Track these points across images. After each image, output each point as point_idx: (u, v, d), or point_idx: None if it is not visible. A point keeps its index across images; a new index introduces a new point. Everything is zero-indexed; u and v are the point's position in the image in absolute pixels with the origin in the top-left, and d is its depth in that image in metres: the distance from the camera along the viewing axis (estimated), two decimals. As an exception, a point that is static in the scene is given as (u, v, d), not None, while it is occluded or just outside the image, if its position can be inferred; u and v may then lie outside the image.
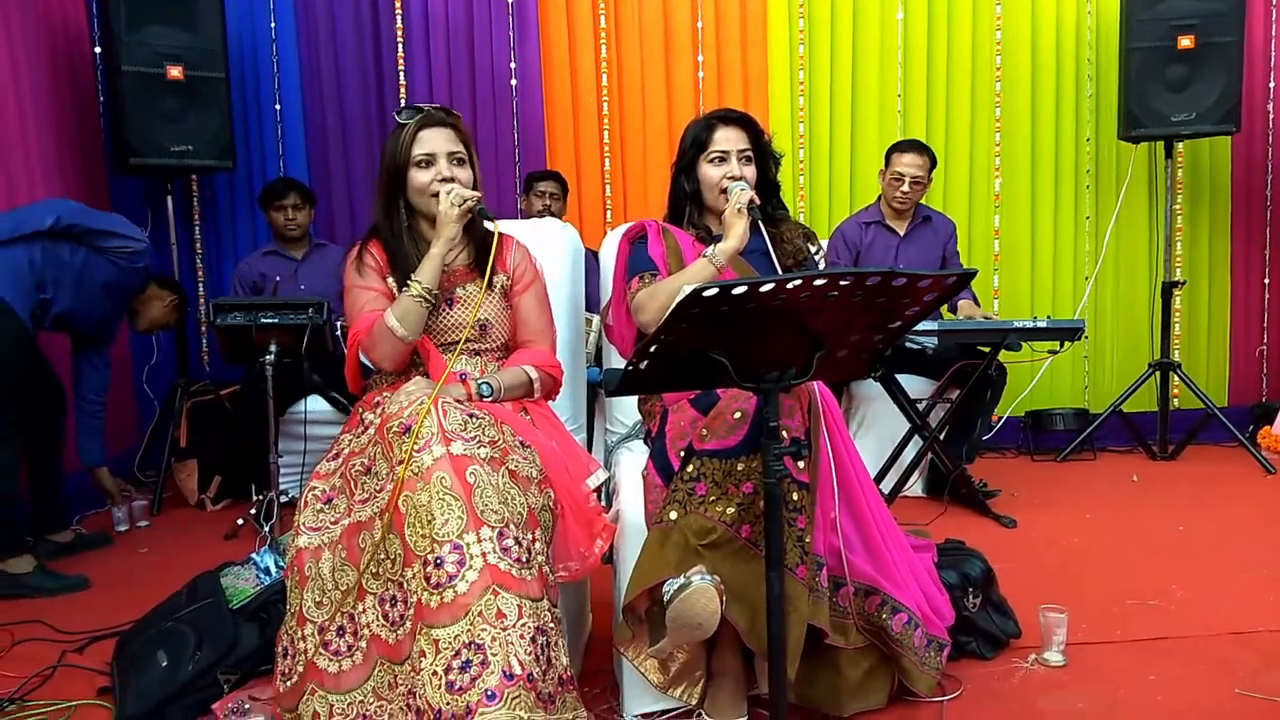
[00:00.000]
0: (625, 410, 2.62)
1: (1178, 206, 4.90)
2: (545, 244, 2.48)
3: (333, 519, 1.87)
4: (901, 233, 4.00)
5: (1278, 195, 4.98)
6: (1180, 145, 4.76)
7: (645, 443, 2.32)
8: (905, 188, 3.88)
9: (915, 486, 3.87)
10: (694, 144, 2.36)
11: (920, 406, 3.63)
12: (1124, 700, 2.10)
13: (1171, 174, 4.66)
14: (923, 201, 4.11)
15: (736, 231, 2.20)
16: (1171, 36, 4.32)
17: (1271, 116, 4.94)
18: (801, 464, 1.87)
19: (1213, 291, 5.01)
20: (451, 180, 2.09)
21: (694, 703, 2.02)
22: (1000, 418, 4.69)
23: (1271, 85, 4.92)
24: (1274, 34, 4.90)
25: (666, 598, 1.77)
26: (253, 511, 3.41)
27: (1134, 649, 2.37)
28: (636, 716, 2.07)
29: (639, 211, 4.69)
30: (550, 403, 2.24)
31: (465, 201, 2.04)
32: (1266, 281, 5.04)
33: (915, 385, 3.74)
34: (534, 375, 2.14)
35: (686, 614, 1.74)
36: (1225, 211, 4.98)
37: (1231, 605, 2.61)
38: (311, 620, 1.81)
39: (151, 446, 4.25)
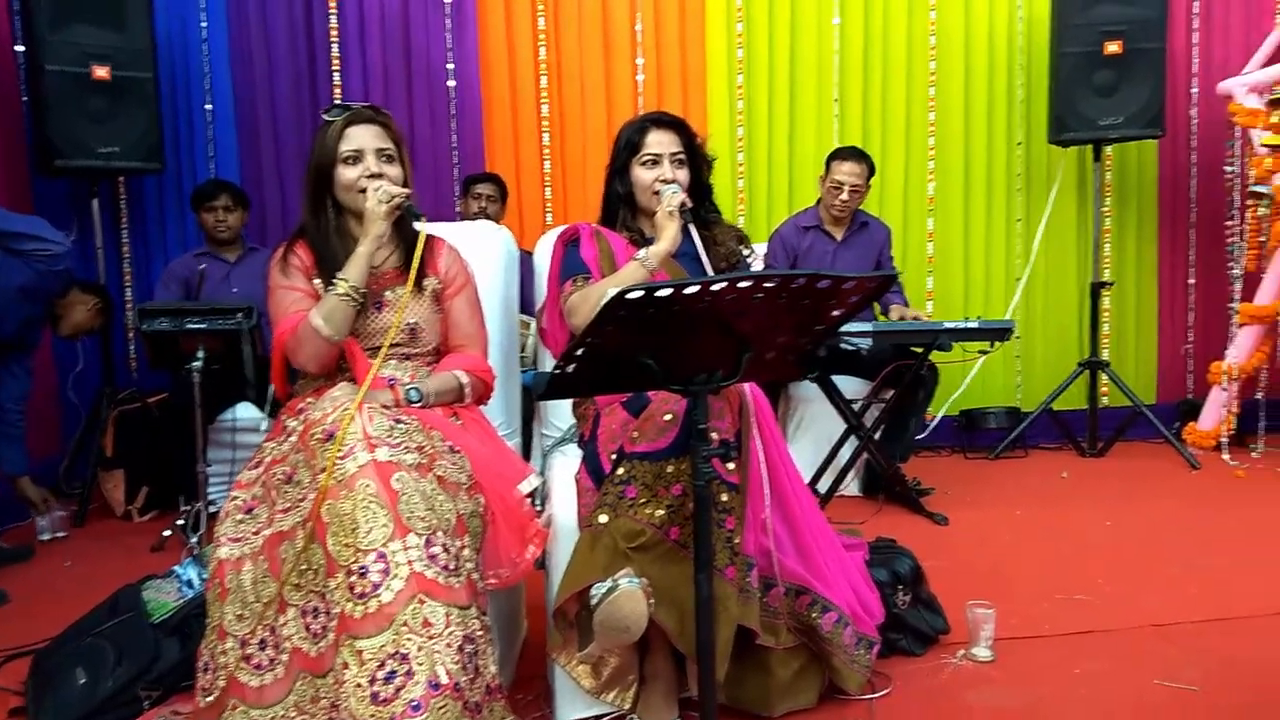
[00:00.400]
0: (560, 414, 2.60)
1: (1106, 209, 5.02)
2: (478, 246, 2.46)
3: (254, 529, 1.82)
4: (839, 238, 4.04)
5: (1202, 198, 5.12)
6: (1108, 149, 4.88)
7: (579, 446, 2.31)
8: (844, 195, 3.92)
9: (851, 486, 3.91)
10: (627, 146, 2.36)
11: (855, 407, 3.67)
12: (1049, 695, 2.14)
13: (1100, 177, 4.77)
14: (859, 206, 4.16)
15: (668, 234, 2.20)
16: (1099, 42, 4.43)
17: (1195, 121, 5.08)
18: (731, 465, 1.87)
19: (1140, 292, 5.14)
20: (380, 176, 2.05)
21: (627, 707, 2.01)
22: (935, 417, 4.77)
23: (1195, 90, 5.06)
24: (1196, 40, 5.04)
25: (594, 602, 1.77)
26: (180, 522, 3.32)
27: (1060, 643, 2.41)
28: (569, 722, 2.05)
29: (579, 213, 4.68)
30: (483, 407, 2.22)
31: (393, 198, 2.00)
32: (1192, 282, 5.19)
33: (850, 386, 3.78)
34: (465, 380, 2.12)
35: (614, 617, 1.73)
36: (1152, 214, 5.11)
37: (1154, 598, 2.68)
38: (232, 634, 1.77)
39: (77, 456, 4.14)
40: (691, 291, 1.43)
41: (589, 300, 2.20)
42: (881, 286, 1.56)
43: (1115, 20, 4.42)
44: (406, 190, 2.05)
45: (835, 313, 1.60)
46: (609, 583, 1.78)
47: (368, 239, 2.01)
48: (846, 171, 3.92)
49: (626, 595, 1.74)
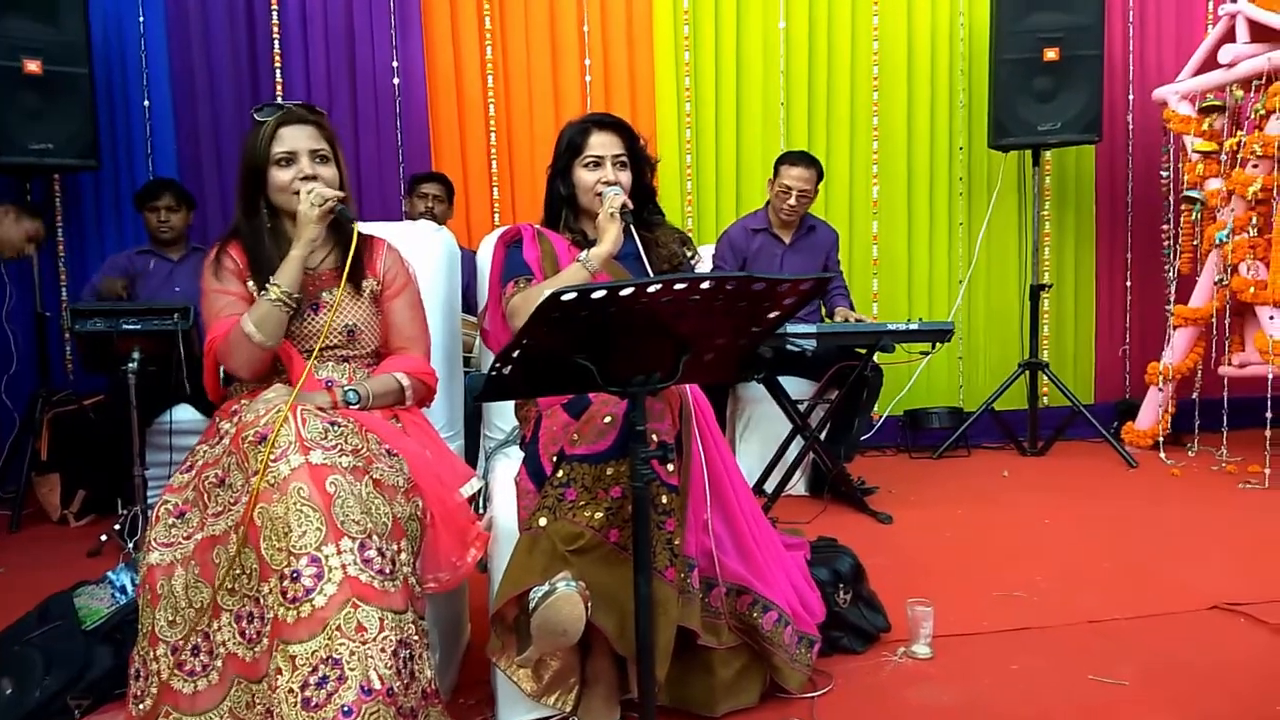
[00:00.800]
0: (504, 416, 2.59)
1: (1045, 213, 5.12)
2: (419, 247, 2.44)
3: (185, 534, 1.79)
4: (788, 241, 4.08)
5: (1138, 202, 5.24)
6: (1047, 154, 4.98)
7: (521, 448, 2.30)
8: (792, 200, 3.95)
9: (798, 485, 3.95)
10: (569, 148, 2.36)
11: (801, 407, 3.70)
12: (986, 691, 2.17)
13: (1039, 182, 4.86)
14: (808, 210, 4.20)
15: (610, 236, 2.20)
16: (1038, 49, 4.51)
17: (1131, 127, 5.20)
18: (670, 467, 1.88)
19: (1078, 294, 5.25)
20: (314, 178, 2.03)
21: (568, 710, 2.00)
22: (880, 417, 4.83)
23: (1131, 97, 5.18)
24: (1132, 48, 5.16)
25: (531, 605, 1.76)
26: (117, 527, 3.26)
27: (998, 639, 2.45)
28: (511, 726, 2.04)
29: (527, 213, 4.67)
30: (426, 410, 2.20)
31: (326, 201, 1.98)
32: (1129, 284, 5.31)
33: (796, 387, 3.82)
34: (405, 383, 2.10)
35: (551, 621, 1.73)
36: (1090, 218, 5.22)
37: (1090, 595, 2.73)
38: (165, 640, 1.73)
39: (11, 460, 4.03)
40: (627, 293, 1.43)
41: (529, 301, 2.19)
42: (817, 288, 1.57)
43: (1053, 27, 4.51)
44: (340, 193, 2.03)
45: (772, 315, 1.61)
46: (546, 586, 1.78)
47: (300, 243, 1.98)
48: (795, 176, 3.95)
49: (564, 599, 1.74)
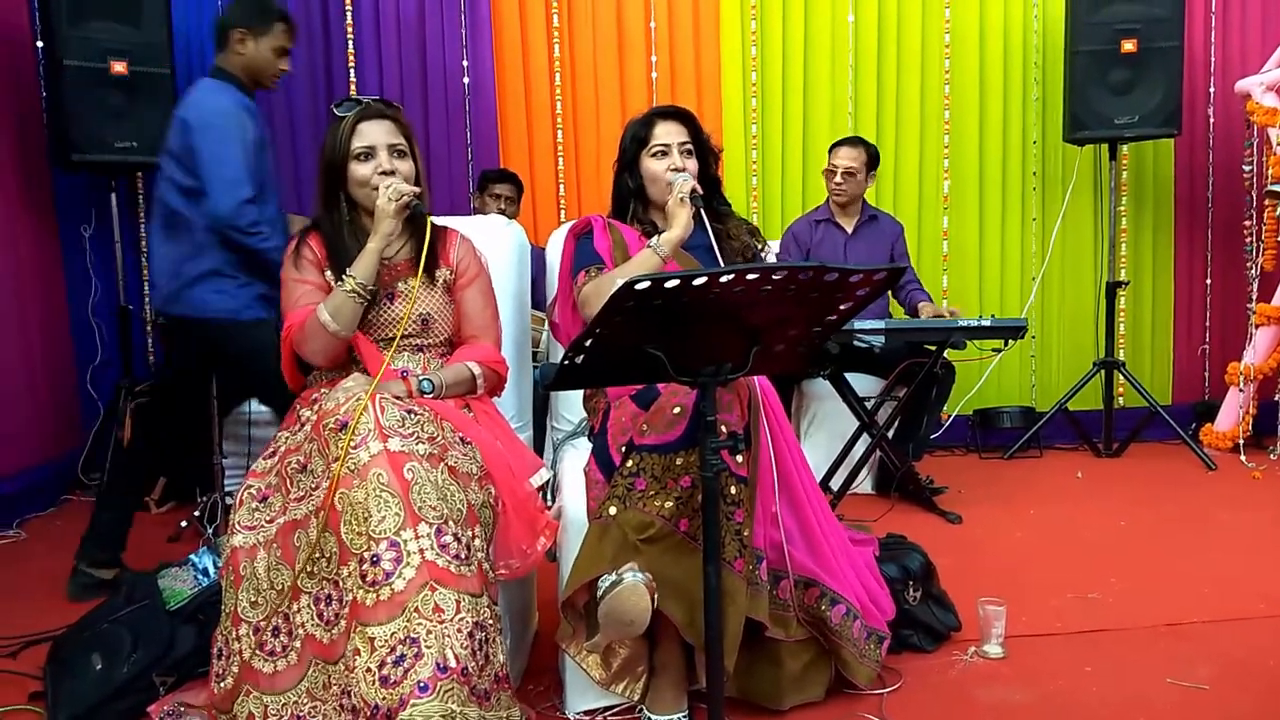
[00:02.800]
0: (571, 407, 2.62)
1: (1122, 208, 4.99)
2: (490, 241, 2.47)
3: (268, 518, 1.85)
4: (850, 230, 4.05)
5: (1219, 197, 5.08)
6: (1124, 148, 4.85)
7: (589, 439, 2.32)
8: (838, 178, 3.95)
9: (864, 484, 3.91)
10: (635, 140, 2.37)
11: (869, 405, 3.66)
12: (1060, 691, 2.13)
13: (1116, 176, 4.74)
14: (872, 203, 4.16)
15: (680, 221, 2.21)
16: (1115, 40, 4.40)
17: (1212, 120, 5.04)
18: (740, 458, 1.88)
19: (1156, 291, 5.10)
20: (392, 173, 2.07)
21: (636, 698, 2.02)
22: (949, 416, 4.75)
23: (1211, 89, 5.03)
24: (1214, 39, 5.00)
25: (599, 594, 1.78)
26: (196, 513, 3.36)
27: (1072, 641, 2.41)
28: (579, 714, 2.07)
29: (592, 210, 4.68)
30: (496, 400, 2.23)
31: (403, 196, 2.02)
32: (1209, 282, 5.15)
33: (864, 384, 3.78)
34: (477, 371, 2.13)
35: (617, 611, 1.75)
36: (1168, 213, 5.08)
37: (1167, 597, 2.67)
38: (247, 620, 1.79)
39: (96, 448, 4.17)
40: (700, 283, 1.44)
41: (601, 290, 2.20)
42: (891, 279, 1.56)
43: (1131, 18, 4.39)
44: (417, 189, 2.06)
45: (844, 305, 1.60)
46: (613, 576, 1.79)
47: (377, 236, 2.02)
48: (841, 156, 3.95)
49: (630, 589, 1.75)
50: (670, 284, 1.42)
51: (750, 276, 1.45)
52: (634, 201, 2.41)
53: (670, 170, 2.30)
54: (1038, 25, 4.94)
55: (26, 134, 4.13)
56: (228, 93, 2.91)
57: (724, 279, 1.44)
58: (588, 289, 2.26)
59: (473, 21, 4.66)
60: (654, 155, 2.33)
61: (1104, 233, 4.94)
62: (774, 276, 1.47)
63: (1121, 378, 4.71)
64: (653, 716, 1.94)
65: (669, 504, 1.86)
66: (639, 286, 1.40)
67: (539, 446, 3.11)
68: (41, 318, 4.11)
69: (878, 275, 1.51)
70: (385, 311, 2.09)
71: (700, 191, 2.26)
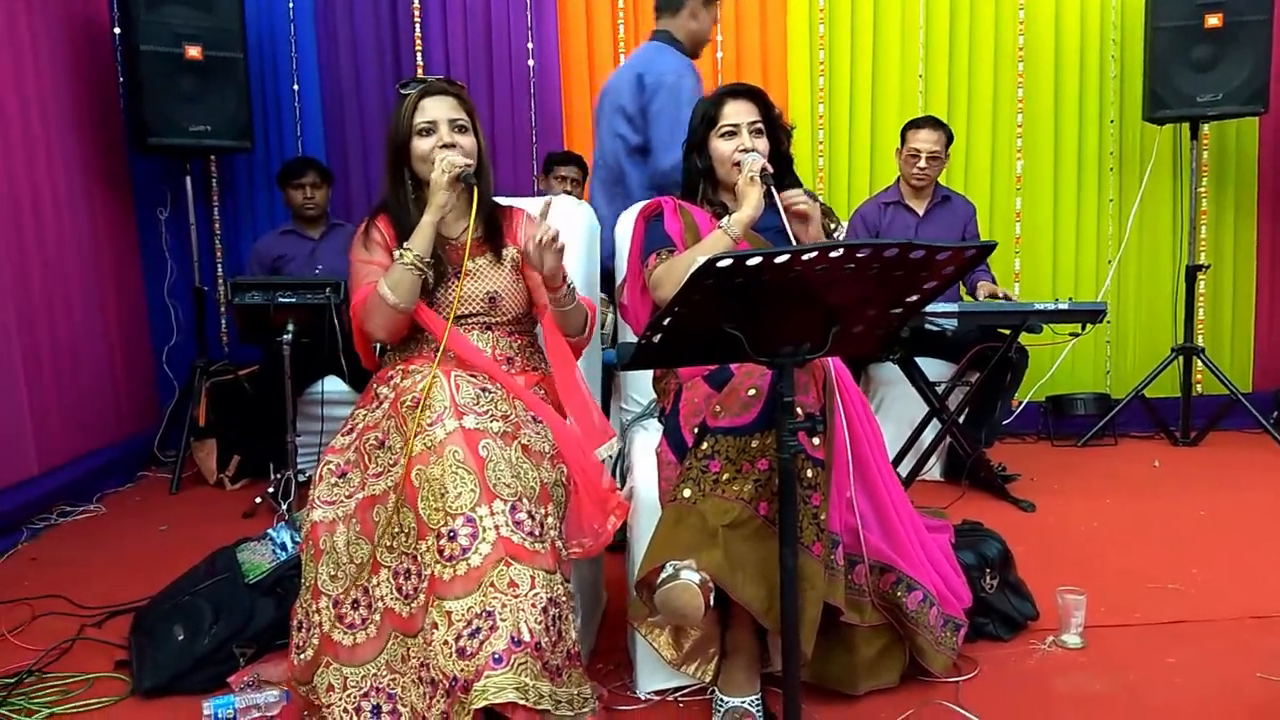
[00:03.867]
0: (640, 389, 2.61)
1: (1203, 189, 4.83)
2: (562, 222, 2.44)
3: (347, 493, 1.87)
4: (921, 212, 3.97)
5: (1306, 177, 4.89)
6: (1206, 127, 4.69)
7: (659, 420, 2.31)
8: (921, 163, 3.85)
9: (933, 470, 3.84)
10: (704, 120, 2.34)
11: (939, 389, 3.60)
12: (1142, 682, 2.08)
13: (1197, 156, 4.59)
14: (943, 183, 4.07)
15: (751, 200, 2.18)
16: (1199, 15, 4.24)
17: (1300, 97, 4.85)
18: (816, 440, 1.85)
19: (1237, 275, 4.93)
20: (452, 146, 2.06)
21: (707, 680, 2.01)
22: (1020, 402, 4.65)
23: (1300, 65, 4.83)
24: (1304, 13, 4.80)
25: (658, 582, 1.77)
26: (270, 490, 3.42)
27: (1152, 632, 2.34)
28: (650, 693, 2.07)
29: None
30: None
31: (455, 168, 2.00)
32: (1293, 266, 4.97)
33: (934, 368, 3.71)
34: (585, 308, 2.17)
35: (670, 604, 1.74)
36: (1251, 194, 4.90)
37: (1252, 589, 2.58)
38: (326, 593, 1.81)
39: (171, 426, 4.28)
40: (782, 260, 1.41)
41: (674, 272, 2.19)
42: (976, 257, 1.51)
43: (1217, -8, 4.24)
44: (470, 161, 2.05)
45: (929, 285, 1.56)
46: (670, 569, 1.78)
47: (431, 208, 2.01)
48: (923, 139, 3.86)
49: (682, 588, 1.74)
50: (752, 261, 1.39)
51: (834, 254, 1.43)
52: (703, 182, 2.38)
53: (739, 150, 2.27)
54: (1115, 1, 4.79)
55: (104, 119, 4.24)
56: (675, 55, 3.09)
57: (807, 256, 1.42)
58: (659, 271, 2.24)
59: (538, 3, 4.66)
60: (723, 135, 2.30)
61: (1184, 214, 4.79)
62: (858, 254, 1.44)
63: (1200, 364, 4.57)
64: (725, 698, 1.92)
65: (748, 487, 1.84)
66: (721, 264, 1.38)
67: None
68: (119, 299, 4.22)
69: (967, 253, 1.47)
70: (452, 290, 2.08)
71: (770, 170, 2.23)
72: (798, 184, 2.44)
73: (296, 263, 4.05)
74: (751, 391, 1.89)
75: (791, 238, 2.24)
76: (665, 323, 1.52)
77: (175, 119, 4.03)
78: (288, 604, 2.10)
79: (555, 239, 1.95)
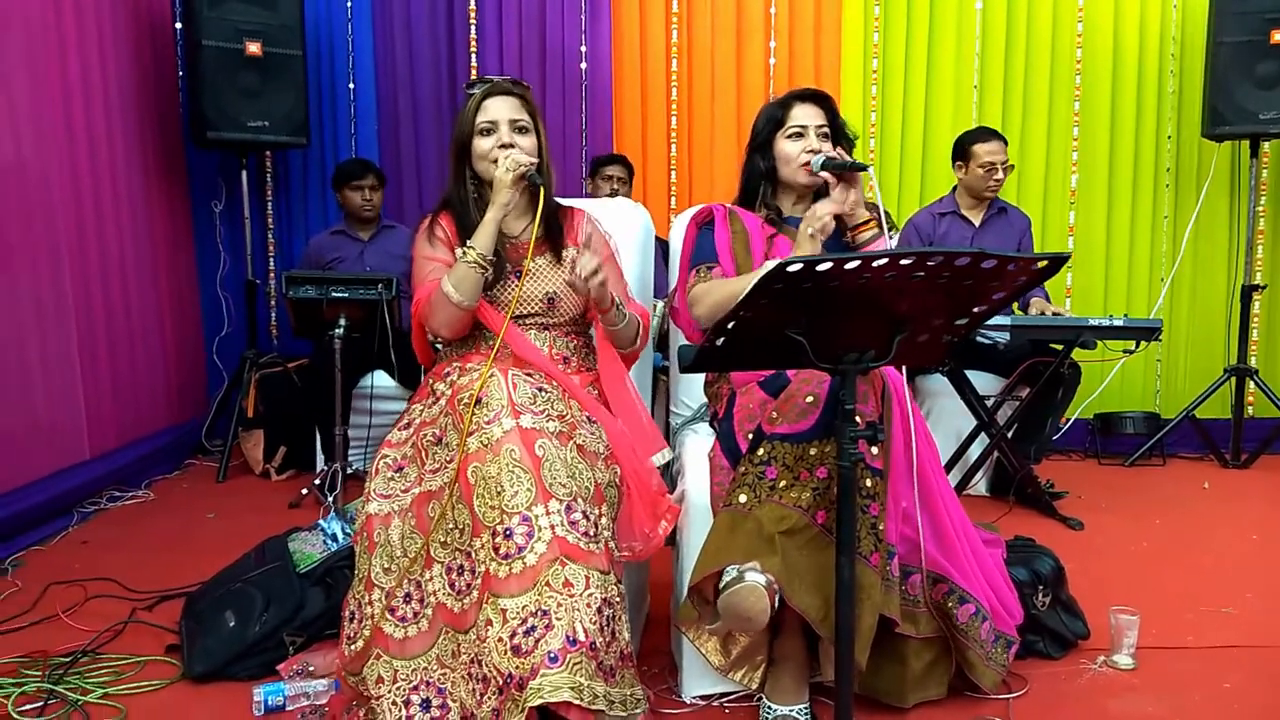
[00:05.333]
0: (691, 393, 2.60)
1: (1261, 208, 4.73)
2: (617, 223, 2.45)
3: (403, 487, 1.88)
4: (977, 223, 3.93)
5: (1367, 199, 4.79)
6: (1266, 144, 4.60)
7: (711, 425, 2.31)
8: (999, 174, 3.82)
9: (979, 485, 3.80)
10: (769, 121, 2.33)
11: (988, 403, 3.56)
12: (1197, 705, 2.04)
13: (1256, 174, 4.51)
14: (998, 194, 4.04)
15: (804, 249, 2.15)
16: (1264, 30, 4.16)
17: (1365, 117, 4.74)
18: (875, 450, 1.84)
19: (1294, 297, 4.84)
20: (511, 146, 2.07)
21: (754, 687, 2.00)
22: (1068, 419, 4.58)
23: (1366, 84, 4.73)
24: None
25: (721, 585, 1.76)
26: (317, 482, 3.46)
27: (1206, 655, 2.30)
28: (695, 698, 2.06)
29: (704, 197, 4.66)
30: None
31: (519, 167, 2.02)
32: (1351, 288, 4.86)
33: (983, 382, 3.66)
34: (638, 320, 2.17)
35: (736, 607, 1.73)
36: (1312, 214, 4.81)
37: (1311, 617, 2.53)
38: (379, 585, 1.82)
39: (219, 416, 4.33)
40: (852, 266, 1.40)
41: (712, 294, 2.17)
42: (1049, 269, 1.49)
43: (1281, 8, 4.16)
44: (533, 160, 2.06)
45: (997, 296, 1.55)
46: (735, 572, 1.77)
47: (494, 206, 2.03)
48: (993, 150, 3.82)
49: (749, 590, 1.73)
50: (822, 267, 1.39)
51: (904, 262, 1.41)
52: (765, 184, 2.37)
53: (806, 152, 2.26)
54: (1176, 15, 4.72)
55: (164, 112, 4.31)
56: None
57: (877, 263, 1.41)
58: (697, 290, 2.24)
59: (592, 6, 4.68)
60: (790, 137, 2.29)
61: (1240, 233, 4.70)
62: (929, 262, 1.43)
63: (1253, 385, 4.48)
64: (773, 706, 1.91)
65: (805, 495, 1.83)
66: (791, 268, 1.37)
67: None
68: (172, 289, 4.29)
69: (1039, 264, 1.46)
70: (512, 289, 2.09)
71: (840, 159, 2.21)
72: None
73: (346, 264, 4.08)
74: (810, 399, 1.88)
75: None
76: (730, 326, 1.52)
77: (234, 114, 4.08)
78: (337, 594, 2.13)
79: (596, 272, 1.96)
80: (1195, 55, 4.58)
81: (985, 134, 3.87)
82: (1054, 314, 3.63)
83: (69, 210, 3.47)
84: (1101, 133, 4.74)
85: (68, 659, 2.17)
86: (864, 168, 2.19)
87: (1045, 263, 1.46)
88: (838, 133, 2.34)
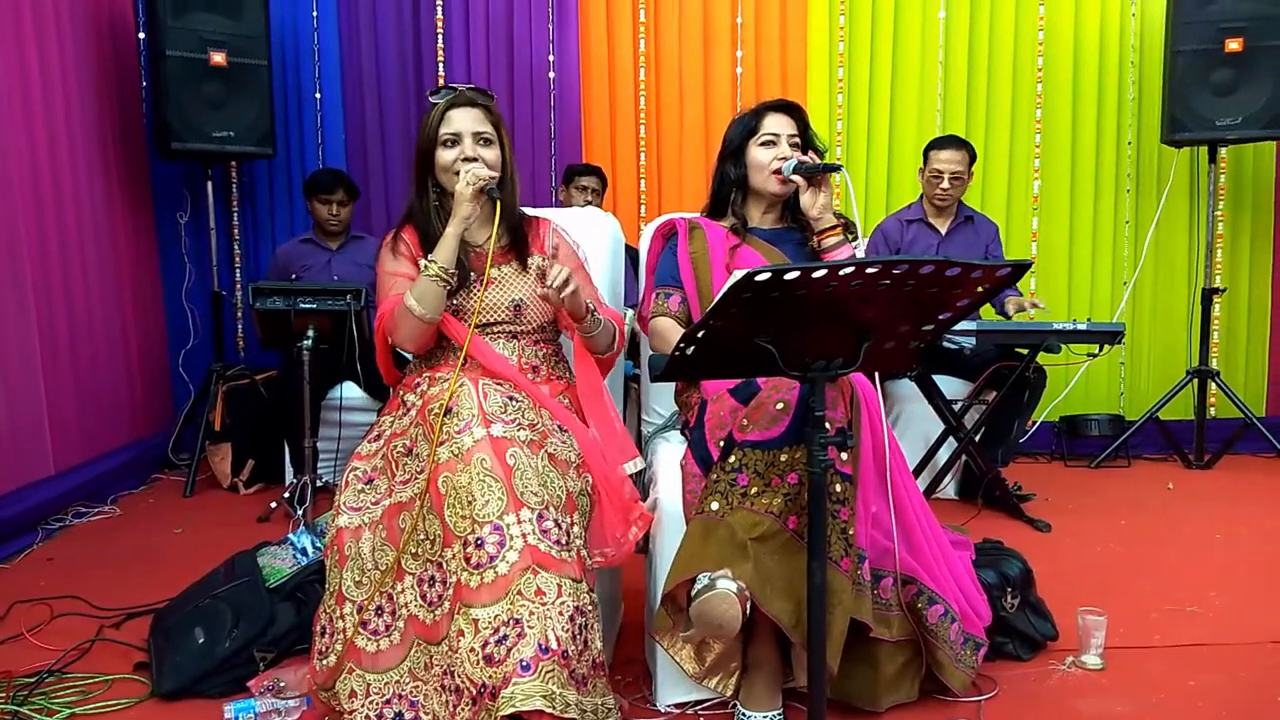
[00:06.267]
0: (662, 401, 2.61)
1: (1219, 212, 4.82)
2: (587, 233, 2.46)
3: (373, 499, 1.87)
4: (944, 231, 3.98)
5: (1321, 203, 4.89)
6: (1224, 150, 4.69)
7: (682, 433, 2.32)
8: (945, 184, 3.86)
9: (948, 488, 3.84)
10: (743, 129, 2.35)
11: (956, 407, 3.60)
12: (1164, 704, 2.07)
13: (1214, 179, 4.59)
14: (964, 201, 4.08)
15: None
16: (1219, 39, 4.25)
17: (1318, 123, 4.85)
18: (845, 455, 1.85)
19: (1253, 299, 4.93)
20: (474, 160, 2.07)
21: (729, 694, 2.01)
22: (1034, 422, 4.64)
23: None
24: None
25: (693, 593, 1.77)
26: (286, 495, 3.43)
27: (1173, 654, 2.33)
28: (670, 706, 2.06)
29: (674, 206, 4.68)
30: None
31: (479, 181, 2.02)
32: (1308, 290, 4.96)
33: (951, 386, 3.71)
34: (613, 325, 2.18)
35: (707, 615, 1.74)
36: (1268, 218, 4.90)
37: (1271, 613, 2.57)
38: (351, 599, 1.81)
39: (186, 429, 4.29)
40: (819, 275, 1.42)
41: (667, 339, 2.23)
42: (1011, 276, 1.52)
43: (1237, 16, 4.24)
44: (493, 174, 2.06)
45: (962, 303, 1.57)
46: (706, 579, 1.78)
47: (454, 220, 2.03)
48: (946, 159, 3.87)
49: (720, 597, 1.74)
50: (790, 275, 1.40)
51: (870, 270, 1.43)
52: (735, 191, 2.39)
53: (778, 159, 2.29)
54: (1135, 24, 4.82)
55: (127, 123, 4.27)
56: None
57: (843, 272, 1.42)
58: (655, 324, 2.31)
59: (560, 15, 4.69)
60: (762, 144, 2.32)
61: (1200, 237, 4.79)
62: (894, 270, 1.44)
63: (1215, 387, 4.56)
64: (747, 713, 1.92)
65: (777, 501, 1.84)
66: (759, 277, 1.38)
67: (624, 440, 3.10)
68: (136, 302, 4.24)
69: (1001, 271, 1.48)
70: (475, 298, 2.08)
71: (811, 162, 2.24)
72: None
73: (312, 272, 4.06)
74: (780, 405, 1.90)
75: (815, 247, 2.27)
76: (699, 335, 1.53)
77: (198, 124, 4.05)
78: (308, 609, 2.11)
79: (567, 282, 1.96)
80: (1154, 64, 4.67)
81: (944, 142, 3.93)
82: (1032, 304, 3.66)
83: (30, 223, 3.42)
84: (1063, 140, 4.81)
85: (33, 679, 2.14)
86: (837, 168, 2.23)
87: (1008, 270, 1.48)
88: (808, 143, 2.36)
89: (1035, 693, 2.14)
